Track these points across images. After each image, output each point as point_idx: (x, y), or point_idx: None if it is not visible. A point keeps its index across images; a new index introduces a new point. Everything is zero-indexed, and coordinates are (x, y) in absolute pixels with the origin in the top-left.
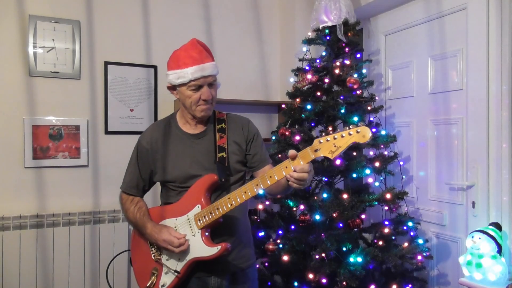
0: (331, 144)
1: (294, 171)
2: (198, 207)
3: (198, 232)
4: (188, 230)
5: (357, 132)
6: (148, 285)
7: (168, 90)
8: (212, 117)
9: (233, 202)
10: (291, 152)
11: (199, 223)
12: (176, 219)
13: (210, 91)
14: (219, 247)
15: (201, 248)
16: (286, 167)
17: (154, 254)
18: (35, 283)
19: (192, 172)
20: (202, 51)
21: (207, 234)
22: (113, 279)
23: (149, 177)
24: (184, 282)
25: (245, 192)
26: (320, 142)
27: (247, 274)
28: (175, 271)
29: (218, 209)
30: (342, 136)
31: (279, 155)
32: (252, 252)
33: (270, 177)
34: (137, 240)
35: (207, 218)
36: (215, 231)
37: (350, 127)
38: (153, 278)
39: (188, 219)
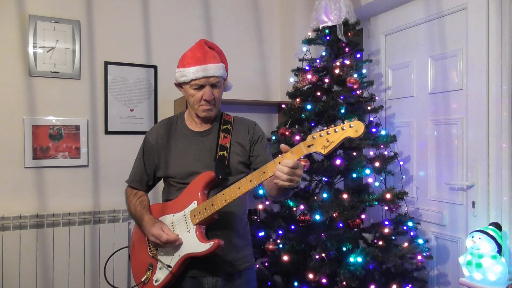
0: (324, 139)
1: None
2: (194, 203)
3: (193, 228)
4: (184, 226)
5: (350, 126)
6: (143, 280)
7: (176, 87)
8: (219, 118)
9: (227, 198)
10: (283, 146)
11: (194, 219)
12: (174, 215)
13: (213, 91)
14: (212, 243)
15: (194, 244)
16: (279, 163)
17: (150, 249)
18: (35, 283)
19: (192, 168)
20: (208, 52)
21: (201, 230)
22: (113, 276)
23: (153, 172)
24: (178, 280)
25: (239, 188)
26: (314, 138)
27: (244, 276)
28: (168, 266)
29: (212, 204)
30: (335, 131)
31: (279, 155)
32: (250, 254)
33: (264, 172)
34: (137, 235)
35: (201, 213)
36: (212, 228)
37: (344, 122)
38: (148, 273)
39: (185, 215)
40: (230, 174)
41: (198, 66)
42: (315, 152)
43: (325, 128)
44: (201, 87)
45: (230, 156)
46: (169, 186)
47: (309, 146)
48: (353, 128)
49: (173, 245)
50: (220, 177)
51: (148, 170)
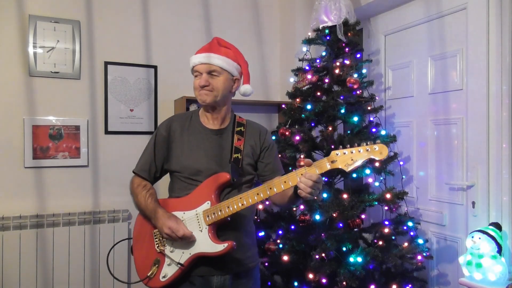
0: (348, 158)
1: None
2: (208, 203)
3: (206, 228)
4: (196, 225)
5: (375, 149)
6: (148, 275)
7: None
8: (232, 119)
9: (245, 202)
10: (307, 161)
11: (207, 219)
12: (184, 213)
13: (208, 79)
14: (226, 244)
15: (207, 244)
16: (302, 175)
17: (157, 245)
18: (35, 283)
19: (203, 165)
20: (215, 44)
21: (214, 231)
22: (113, 271)
23: (162, 164)
24: (184, 277)
25: (257, 194)
26: (337, 155)
27: (250, 274)
28: (179, 263)
29: (228, 207)
30: (359, 151)
31: (280, 155)
32: (256, 253)
33: (285, 182)
34: (141, 229)
35: (216, 215)
36: (221, 229)
37: (368, 143)
38: (154, 268)
39: (197, 214)
40: (243, 176)
41: (199, 54)
42: (337, 168)
43: (328, 130)
44: (199, 74)
45: (243, 159)
46: (178, 181)
47: (332, 162)
48: (378, 151)
49: (187, 241)
50: (235, 180)
51: (158, 161)
